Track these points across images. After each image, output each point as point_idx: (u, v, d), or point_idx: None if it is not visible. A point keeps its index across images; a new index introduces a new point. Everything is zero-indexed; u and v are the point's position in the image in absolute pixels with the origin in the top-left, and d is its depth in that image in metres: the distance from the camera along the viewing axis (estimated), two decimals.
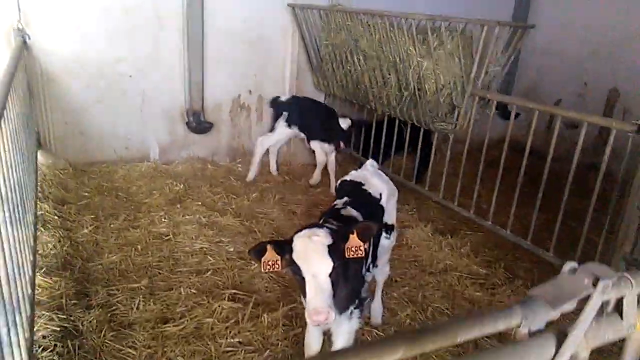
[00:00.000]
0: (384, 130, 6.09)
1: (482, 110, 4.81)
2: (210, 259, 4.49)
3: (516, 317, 1.03)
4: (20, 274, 2.73)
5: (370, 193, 3.35)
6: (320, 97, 7.29)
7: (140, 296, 3.75)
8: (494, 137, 5.60)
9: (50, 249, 4.26)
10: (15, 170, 3.24)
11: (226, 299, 3.81)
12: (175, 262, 4.43)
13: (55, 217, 4.89)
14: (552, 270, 4.34)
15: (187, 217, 5.30)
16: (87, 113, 6.26)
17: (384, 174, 3.73)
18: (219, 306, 3.70)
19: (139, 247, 4.61)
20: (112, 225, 4.98)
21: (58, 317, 3.23)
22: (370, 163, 3.83)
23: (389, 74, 5.19)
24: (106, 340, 3.25)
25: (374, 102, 5.72)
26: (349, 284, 2.59)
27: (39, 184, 5.52)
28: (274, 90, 7.18)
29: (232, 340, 3.40)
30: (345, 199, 3.22)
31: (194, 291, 3.93)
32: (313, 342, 2.91)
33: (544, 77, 8.80)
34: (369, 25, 5.18)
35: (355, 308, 2.74)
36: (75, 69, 6.03)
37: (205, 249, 4.67)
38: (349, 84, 6.03)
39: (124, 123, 6.48)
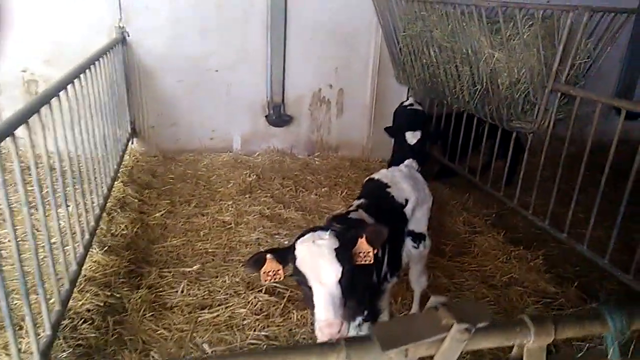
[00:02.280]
0: (462, 128, 5.67)
1: (565, 108, 4.23)
2: (263, 250, 4.57)
3: (339, 353, 0.87)
4: (64, 250, 3.03)
5: (393, 197, 3.12)
6: (403, 92, 7.04)
7: (186, 281, 3.94)
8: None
9: (122, 229, 4.66)
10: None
11: (263, 291, 3.86)
12: (230, 251, 4.59)
13: (136, 200, 5.35)
14: (636, 295, 3.72)
15: (253, 207, 5.46)
16: (178, 105, 6.74)
17: (420, 177, 3.47)
18: (255, 298, 3.76)
19: (201, 233, 4.87)
20: (183, 211, 5.32)
21: (104, 293, 3.54)
22: (408, 162, 3.59)
23: (463, 67, 4.81)
24: (144, 319, 3.47)
25: (449, 97, 5.35)
26: (358, 291, 2.44)
27: (130, 168, 6.10)
28: (355, 85, 7.10)
29: (259, 333, 3.44)
30: (362, 200, 3.05)
31: (237, 280, 4.04)
32: None
33: None
34: (442, 14, 4.84)
35: (365, 320, 2.55)
36: (168, 64, 6.52)
37: (260, 240, 4.78)
38: (427, 78, 5.72)
39: (211, 115, 6.86)
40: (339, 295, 2.04)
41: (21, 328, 3.01)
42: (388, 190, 3.16)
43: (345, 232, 2.25)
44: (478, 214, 5.55)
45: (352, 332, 2.53)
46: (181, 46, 6.48)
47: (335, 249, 2.10)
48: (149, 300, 3.68)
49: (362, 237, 2.23)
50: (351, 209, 2.97)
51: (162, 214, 5.17)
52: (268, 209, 5.45)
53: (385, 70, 6.94)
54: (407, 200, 3.15)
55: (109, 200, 5.07)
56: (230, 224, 5.07)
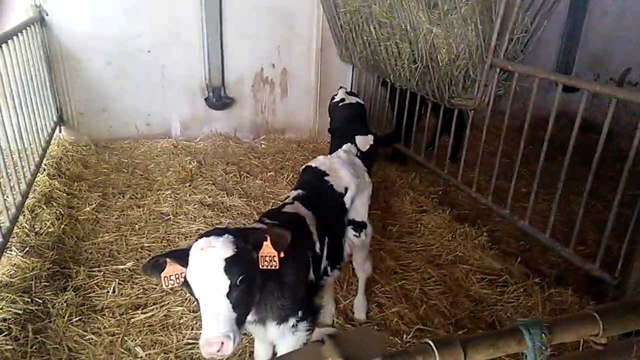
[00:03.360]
0: (406, 107, 5.58)
1: (505, 84, 4.19)
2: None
3: None
4: None
5: (332, 186, 2.94)
6: (348, 70, 6.89)
7: (117, 280, 3.67)
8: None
9: (48, 227, 4.30)
10: None
11: None
12: (168, 244, 4.34)
13: (64, 194, 4.96)
14: (576, 270, 3.78)
15: (193, 196, 5.19)
16: (108, 90, 6.30)
17: (360, 163, 3.30)
18: None
19: (137, 226, 4.57)
20: (117, 204, 4.98)
21: (23, 299, 3.22)
22: (347, 147, 3.43)
23: (402, 44, 4.68)
24: (70, 325, 3.20)
25: (392, 75, 5.23)
26: (278, 293, 2.22)
27: (58, 160, 5.66)
28: (299, 64, 6.87)
29: (197, 332, 3.24)
30: (299, 191, 2.87)
31: None
32: (259, 354, 2.66)
33: (615, 44, 7.79)
34: None
35: (300, 320, 2.37)
36: (94, 46, 6.05)
37: (201, 231, 4.53)
38: (368, 56, 5.57)
39: (145, 99, 6.46)
40: (226, 312, 1.85)
41: None
42: (326, 179, 2.97)
43: (247, 236, 2.01)
44: (424, 193, 5.52)
45: (288, 334, 2.37)
46: (107, 26, 6.03)
47: (227, 259, 1.87)
48: (76, 304, 3.39)
49: (266, 240, 2.01)
50: (287, 200, 2.78)
51: (93, 208, 4.81)
52: (210, 197, 5.20)
53: (329, 49, 6.74)
54: (346, 189, 2.98)
55: (32, 196, 4.68)
56: (169, 215, 4.80)
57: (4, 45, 4.16)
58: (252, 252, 1.99)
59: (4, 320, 3.02)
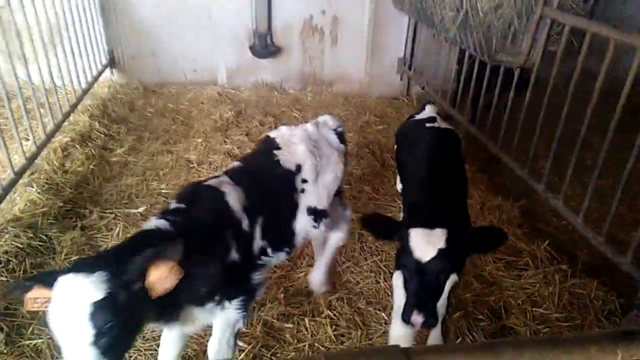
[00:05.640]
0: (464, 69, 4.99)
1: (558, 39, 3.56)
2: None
3: None
4: None
5: (279, 161, 2.61)
6: (404, 21, 6.36)
7: (123, 224, 3.76)
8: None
9: (77, 166, 4.50)
10: None
11: None
12: None
13: (102, 135, 5.16)
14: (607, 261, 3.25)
15: (223, 146, 5.18)
16: (157, 33, 6.35)
17: (334, 140, 2.91)
18: None
19: (161, 172, 4.65)
20: (149, 148, 5.10)
21: (27, 235, 3.40)
22: (322, 119, 3.02)
23: None
24: (68, 263, 3.33)
25: (438, 26, 4.71)
26: (189, 285, 1.94)
27: (105, 101, 5.88)
28: (351, 11, 6.45)
29: None
30: (235, 164, 2.62)
31: None
32: (164, 346, 2.51)
33: None
34: None
35: (232, 298, 2.21)
36: None
37: None
38: (417, 1, 5.04)
39: (192, 44, 6.45)
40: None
41: None
42: (275, 152, 2.66)
43: (124, 271, 1.70)
44: (467, 157, 5.04)
45: (218, 312, 2.22)
46: None
47: (95, 303, 1.60)
48: (80, 243, 3.52)
49: (153, 268, 1.72)
50: (217, 173, 2.56)
51: (125, 151, 4.96)
52: (238, 148, 5.14)
53: None
54: (298, 167, 2.64)
55: (69, 135, 4.90)
56: (194, 163, 4.82)
57: None
58: (134, 283, 1.71)
59: (5, 252, 3.21)
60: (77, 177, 4.36)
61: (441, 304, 2.38)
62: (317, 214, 2.70)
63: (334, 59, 6.75)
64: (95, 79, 5.76)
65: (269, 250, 2.46)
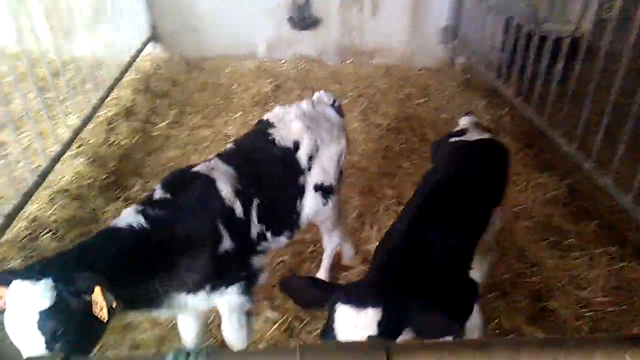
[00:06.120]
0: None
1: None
2: None
3: None
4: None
5: (274, 140, 2.51)
6: None
7: None
8: None
9: (121, 139, 4.63)
10: None
11: None
12: None
13: (144, 109, 5.27)
14: None
15: None
16: (199, 7, 6.36)
17: (334, 115, 2.79)
18: None
19: (201, 146, 4.73)
20: (191, 122, 5.19)
21: (76, 205, 3.55)
22: (317, 96, 2.91)
23: None
24: None
25: None
26: (176, 276, 2.01)
27: (148, 76, 5.98)
28: None
29: None
30: (228, 146, 2.56)
31: None
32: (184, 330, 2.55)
33: None
34: None
35: (228, 284, 2.20)
36: None
37: None
38: None
39: (233, 18, 6.42)
40: None
41: None
42: (270, 131, 2.56)
43: (73, 280, 1.66)
44: (512, 133, 4.85)
45: (217, 298, 2.22)
46: None
47: (42, 312, 1.59)
48: None
49: (98, 286, 1.65)
50: (209, 157, 2.50)
51: (168, 124, 5.07)
52: None
53: None
54: (296, 144, 2.54)
55: (114, 109, 5.04)
56: (232, 137, 4.86)
57: None
58: (81, 294, 1.67)
59: (55, 221, 3.37)
60: (121, 150, 4.50)
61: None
62: (324, 190, 2.63)
63: (375, 29, 6.56)
64: (138, 53, 5.85)
65: (267, 234, 2.40)
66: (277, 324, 2.80)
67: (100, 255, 1.87)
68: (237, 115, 5.27)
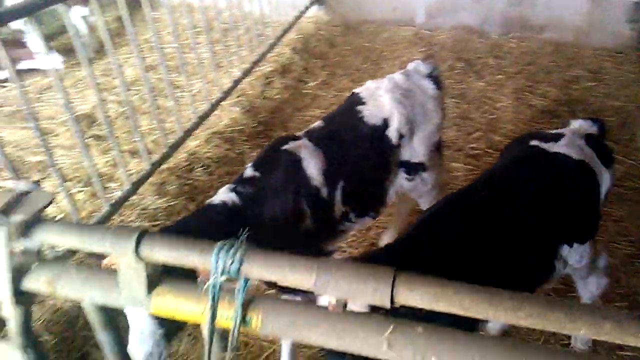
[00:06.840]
0: None
1: None
2: None
3: None
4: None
5: (362, 118, 2.42)
6: None
7: None
8: None
9: (275, 94, 5.07)
10: None
11: None
12: None
13: (299, 68, 5.64)
14: None
15: None
16: None
17: (430, 87, 2.58)
18: None
19: (318, 111, 4.91)
20: (339, 84, 5.40)
21: (226, 147, 4.05)
22: (413, 66, 2.68)
23: None
24: None
25: None
26: None
27: (308, 37, 6.33)
28: None
29: None
30: (317, 124, 2.48)
31: None
32: None
33: None
34: None
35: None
36: None
37: None
38: None
39: None
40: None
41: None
42: (358, 108, 2.45)
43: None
44: None
45: None
46: None
47: None
48: None
49: None
50: (298, 134, 2.45)
51: (317, 85, 5.37)
52: None
53: None
54: (386, 121, 2.42)
55: (272, 66, 5.47)
56: None
57: None
58: None
59: (208, 158, 3.91)
60: (273, 103, 4.93)
61: None
62: (412, 167, 2.55)
63: (547, 0, 5.98)
64: (302, 14, 6.21)
65: (351, 215, 2.39)
66: None
67: (197, 230, 1.91)
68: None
